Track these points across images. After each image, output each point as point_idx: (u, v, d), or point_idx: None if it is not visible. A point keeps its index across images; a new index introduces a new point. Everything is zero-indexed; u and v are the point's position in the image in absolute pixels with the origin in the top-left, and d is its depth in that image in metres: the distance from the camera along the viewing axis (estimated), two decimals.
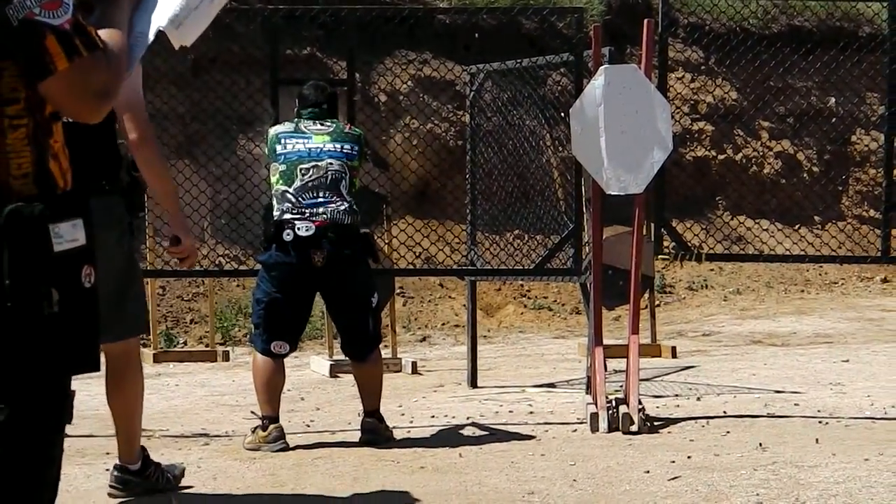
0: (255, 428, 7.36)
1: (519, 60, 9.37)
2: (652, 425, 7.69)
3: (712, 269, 16.68)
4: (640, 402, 7.75)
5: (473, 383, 9.85)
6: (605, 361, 8.24)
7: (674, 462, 6.59)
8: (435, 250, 12.59)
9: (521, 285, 15.32)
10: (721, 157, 18.10)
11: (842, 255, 9.60)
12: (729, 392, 9.22)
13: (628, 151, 7.88)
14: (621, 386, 8.24)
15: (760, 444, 7.00)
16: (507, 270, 9.99)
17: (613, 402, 7.74)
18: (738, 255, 14.55)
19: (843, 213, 18.19)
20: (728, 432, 7.45)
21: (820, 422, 7.84)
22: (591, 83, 7.96)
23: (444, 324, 14.38)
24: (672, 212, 14.62)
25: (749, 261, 13.51)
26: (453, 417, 8.32)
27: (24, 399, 2.87)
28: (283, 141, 7.37)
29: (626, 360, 8.04)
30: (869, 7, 15.80)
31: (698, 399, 8.89)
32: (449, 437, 7.53)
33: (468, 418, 8.21)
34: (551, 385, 9.89)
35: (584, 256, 8.75)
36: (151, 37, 3.24)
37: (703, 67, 18.31)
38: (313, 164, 7.29)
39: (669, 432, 7.58)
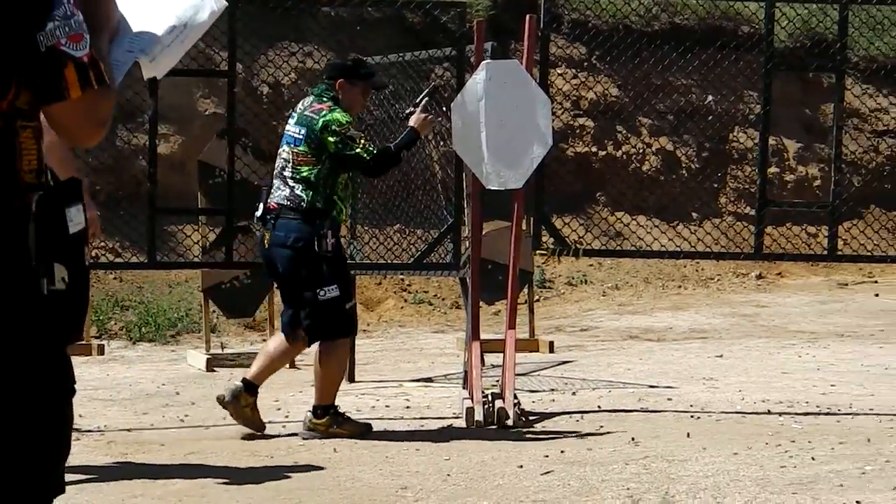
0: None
1: (401, 54, 9.38)
2: (527, 420, 7.74)
3: (591, 265, 16.80)
4: (515, 397, 7.80)
5: (351, 377, 9.82)
6: (482, 356, 8.28)
7: (547, 457, 6.64)
8: None
9: (402, 280, 15.33)
10: (602, 153, 18.24)
11: (716, 252, 9.77)
12: (604, 387, 9.31)
13: (508, 146, 7.91)
14: (498, 380, 8.28)
15: (633, 439, 7.09)
16: (385, 265, 9.99)
17: (489, 397, 7.78)
18: (615, 250, 14.70)
19: (720, 210, 18.41)
20: (602, 427, 7.53)
21: (692, 416, 7.94)
22: (472, 78, 7.98)
23: None
24: (552, 207, 14.69)
25: (626, 256, 13.66)
26: None
27: (42, 366, 3.19)
28: None
29: (502, 354, 8.08)
30: (746, 6, 16.01)
31: (574, 394, 8.97)
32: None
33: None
34: (429, 379, 9.91)
35: (463, 251, 8.77)
36: (128, 65, 3.44)
37: (585, 64, 18.43)
38: (280, 150, 7.46)
39: (544, 427, 7.64)
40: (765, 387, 9.23)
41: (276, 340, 7.55)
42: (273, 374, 7.58)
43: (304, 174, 7.26)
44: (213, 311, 11.76)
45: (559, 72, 18.03)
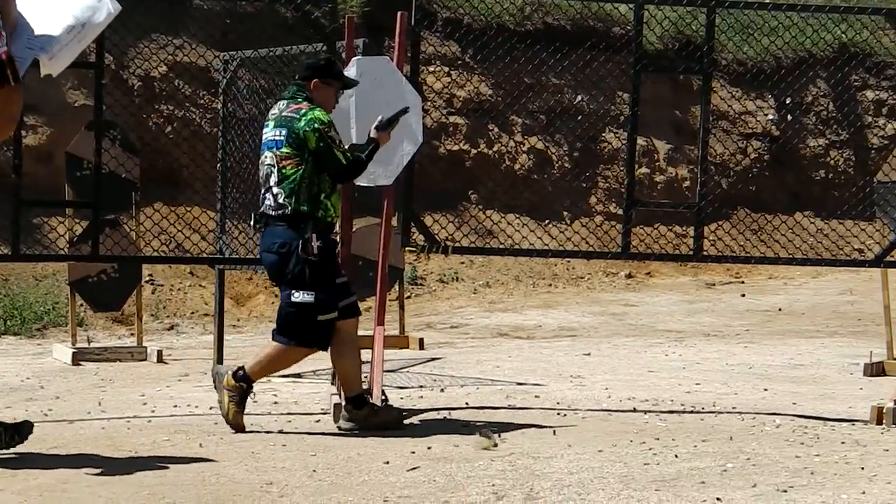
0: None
1: (271, 49, 9.32)
2: None
3: (463, 262, 16.86)
4: (383, 394, 7.79)
5: None
6: None
7: (414, 453, 6.64)
8: (182, 237, 12.44)
9: None
10: (474, 151, 18.30)
11: (584, 251, 9.83)
12: (472, 384, 9.35)
13: None
14: (366, 377, 8.26)
15: (499, 435, 7.12)
16: (253, 259, 9.86)
17: None
18: (485, 248, 14.76)
19: (590, 210, 18.57)
20: (469, 423, 7.55)
21: (558, 413, 8.00)
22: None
23: (193, 312, 14.22)
24: (424, 205, 14.72)
25: (495, 254, 13.71)
26: (196, 407, 8.24)
27: None
28: None
29: (371, 351, 8.07)
30: (617, 8, 16.17)
31: (442, 390, 8.99)
32: (190, 428, 7.44)
33: (211, 408, 8.13)
34: (298, 375, 9.85)
35: None
36: (28, 62, 3.41)
37: (459, 62, 18.48)
38: (261, 159, 7.44)
39: (413, 423, 7.64)
40: (631, 385, 9.34)
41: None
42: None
43: (290, 175, 7.23)
44: (81, 305, 11.60)
45: (432, 70, 18.06)
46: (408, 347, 11.46)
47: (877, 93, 21.63)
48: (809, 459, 6.60)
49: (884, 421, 7.70)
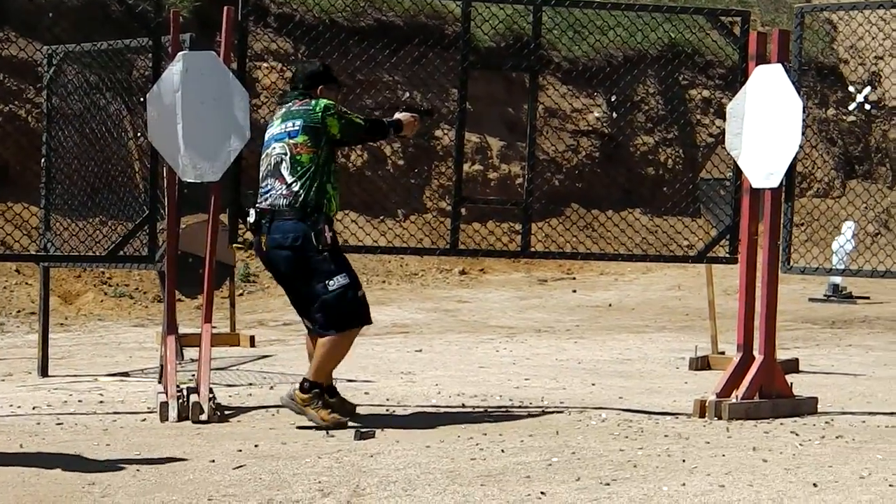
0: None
1: (96, 43, 9.17)
2: (223, 414, 7.68)
3: None
4: (211, 391, 7.72)
5: (44, 372, 9.59)
6: (181, 350, 8.17)
7: (241, 451, 6.59)
8: (3, 234, 12.16)
9: (103, 272, 15.02)
10: None
11: (412, 247, 9.85)
12: None
13: (205, 139, 7.83)
14: (193, 375, 8.19)
15: (327, 432, 7.10)
16: (78, 257, 9.71)
17: (185, 392, 7.68)
18: None
19: (424, 207, 18.64)
20: (296, 421, 7.51)
21: (387, 410, 8.01)
22: (168, 69, 7.87)
23: (19, 311, 13.94)
24: (254, 201, 14.61)
25: None
26: (19, 407, 8.07)
27: None
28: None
29: (198, 348, 7.99)
30: (445, 6, 16.22)
31: (271, 388, 8.94)
32: (11, 428, 7.29)
33: (34, 408, 7.98)
34: (125, 374, 9.73)
35: (161, 244, 8.62)
36: None
37: (292, 58, 18.40)
38: (266, 153, 7.51)
39: (239, 421, 7.58)
40: (461, 381, 9.38)
41: (312, 344, 7.65)
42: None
43: (305, 162, 7.35)
44: None
45: (266, 65, 17.96)
46: (238, 345, 11.37)
47: (705, 91, 22.05)
48: (633, 453, 6.68)
49: (706, 414, 7.84)
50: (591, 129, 20.60)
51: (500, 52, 18.43)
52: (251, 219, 7.47)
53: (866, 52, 23.66)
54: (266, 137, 7.58)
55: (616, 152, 20.66)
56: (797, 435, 7.26)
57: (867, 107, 22.50)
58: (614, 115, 20.57)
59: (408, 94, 18.56)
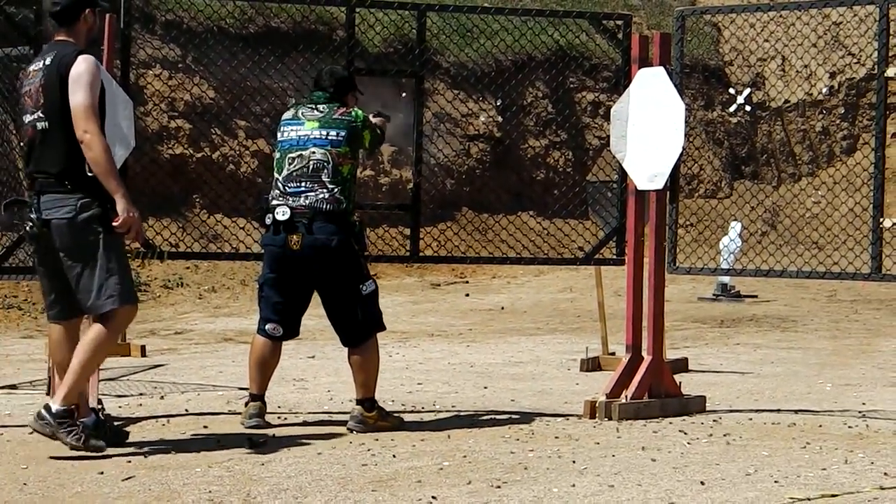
0: (246, 403, 7.72)
1: None
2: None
3: (188, 268, 16.68)
4: (100, 402, 7.65)
5: None
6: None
7: (130, 462, 6.54)
8: None
9: None
10: (198, 155, 18.13)
11: None
12: (194, 390, 9.26)
13: None
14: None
15: (219, 441, 7.07)
16: None
17: None
18: (204, 253, 14.55)
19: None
20: (186, 431, 7.47)
21: (279, 417, 7.98)
22: None
23: None
24: (148, 210, 14.53)
25: (215, 258, 13.50)
26: None
27: None
28: (282, 128, 7.63)
29: None
30: (328, 12, 16.21)
31: (162, 398, 8.87)
32: None
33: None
34: (13, 386, 9.61)
35: None
36: None
37: (180, 65, 18.28)
38: (299, 153, 7.49)
39: (129, 431, 7.50)
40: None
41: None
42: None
43: (344, 174, 7.45)
44: None
45: (154, 73, 17.81)
46: (129, 355, 11.25)
47: (593, 94, 22.23)
48: (524, 455, 6.73)
49: (596, 415, 7.91)
50: (480, 133, 20.69)
51: (388, 58, 18.45)
52: (282, 217, 7.39)
53: (750, 54, 24.01)
54: (291, 134, 7.56)
55: (506, 156, 20.76)
56: (685, 434, 7.35)
57: (748, 108, 22.82)
58: (500, 119, 20.66)
59: (294, 101, 18.50)
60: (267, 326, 7.70)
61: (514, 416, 8.07)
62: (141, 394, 9.10)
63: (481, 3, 21.29)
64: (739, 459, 6.60)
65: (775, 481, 6.07)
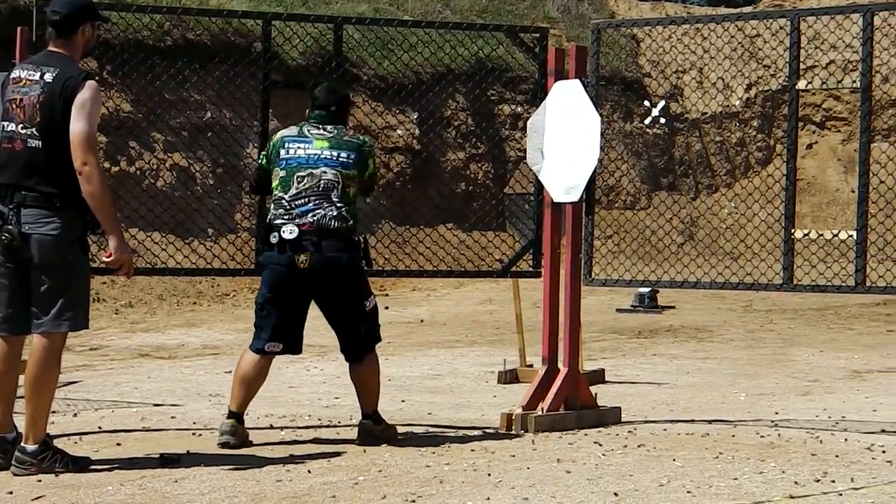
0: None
1: None
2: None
3: (105, 283, 16.54)
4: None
5: None
6: None
7: (40, 481, 6.46)
8: None
9: None
10: (115, 168, 17.98)
11: (217, 268, 9.88)
12: (108, 407, 9.17)
13: None
14: None
15: (131, 460, 7.00)
16: None
17: None
18: (157, 269, 14.47)
19: (236, 226, 18.49)
20: (99, 449, 7.39)
21: (194, 434, 7.92)
22: None
23: None
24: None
25: (134, 274, 13.40)
26: None
27: None
28: (287, 146, 7.55)
29: None
30: (244, 25, 16.16)
31: (75, 415, 8.78)
32: None
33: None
34: None
35: None
36: None
37: (96, 78, 18.11)
38: (309, 171, 7.46)
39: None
40: (271, 402, 9.32)
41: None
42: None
43: (351, 196, 7.50)
44: None
45: None
46: None
47: (513, 107, 22.31)
48: (440, 468, 6.73)
49: (513, 427, 7.92)
50: (400, 146, 20.69)
51: (307, 70, 18.41)
52: (290, 235, 7.36)
53: (666, 66, 24.19)
54: (299, 152, 7.49)
55: (427, 168, 20.78)
56: (600, 445, 7.38)
57: (662, 120, 22.98)
58: (419, 131, 20.67)
59: (212, 114, 18.42)
60: (267, 346, 7.70)
61: (430, 429, 8.07)
62: (54, 412, 8.95)
63: (400, 16, 21.32)
64: (653, 470, 6.63)
65: (688, 491, 6.10)
